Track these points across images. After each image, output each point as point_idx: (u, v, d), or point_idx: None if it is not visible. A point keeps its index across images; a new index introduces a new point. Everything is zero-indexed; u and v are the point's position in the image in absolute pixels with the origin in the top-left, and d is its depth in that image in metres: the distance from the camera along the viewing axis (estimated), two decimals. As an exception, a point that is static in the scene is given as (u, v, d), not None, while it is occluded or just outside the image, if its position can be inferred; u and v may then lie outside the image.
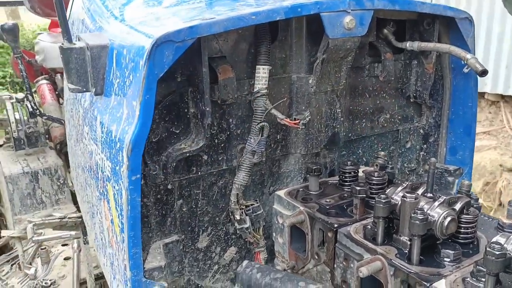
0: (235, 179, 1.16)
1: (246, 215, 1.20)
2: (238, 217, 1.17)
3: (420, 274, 0.84)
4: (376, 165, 1.20)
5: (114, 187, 1.00)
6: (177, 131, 1.07)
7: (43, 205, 2.51)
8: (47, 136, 3.01)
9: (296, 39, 1.18)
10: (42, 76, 3.01)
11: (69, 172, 2.35)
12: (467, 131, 1.52)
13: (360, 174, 1.25)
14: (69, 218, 2.02)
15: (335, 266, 1.03)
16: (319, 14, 1.06)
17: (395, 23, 1.38)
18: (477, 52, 5.22)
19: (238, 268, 0.97)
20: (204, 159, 1.12)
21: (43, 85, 2.95)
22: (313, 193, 1.19)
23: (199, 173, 1.12)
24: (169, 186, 1.08)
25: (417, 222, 0.85)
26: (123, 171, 0.93)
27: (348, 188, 1.22)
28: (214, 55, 1.07)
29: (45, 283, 1.88)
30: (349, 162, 1.22)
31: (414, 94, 1.46)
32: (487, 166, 5.17)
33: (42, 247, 2.08)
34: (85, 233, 1.96)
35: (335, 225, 1.02)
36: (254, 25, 1.10)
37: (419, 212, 0.85)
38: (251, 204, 1.21)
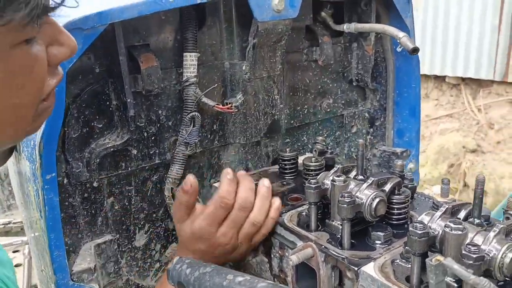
0: (169, 172, 1.11)
1: (184, 209, 1.15)
2: (174, 212, 1.13)
3: (349, 258, 0.82)
4: (315, 150, 1.17)
5: (34, 187, 0.94)
6: (100, 125, 1.01)
7: (-6, 211, 2.41)
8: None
9: (226, 24, 1.14)
10: None
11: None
12: (412, 112, 1.51)
13: (300, 161, 1.23)
14: (13, 223, 1.95)
15: (272, 256, 1.00)
16: (244, -3, 1.02)
17: (333, 5, 1.36)
18: (436, 35, 5.30)
19: (169, 264, 0.93)
20: (133, 154, 1.07)
21: None
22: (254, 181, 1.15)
23: (129, 168, 1.07)
24: (95, 184, 1.02)
25: (345, 205, 0.82)
26: (37, 170, 0.87)
27: (288, 176, 1.19)
28: (135, 43, 1.01)
29: (-7, 292, 1.80)
30: (287, 149, 1.19)
31: (356, 78, 1.44)
32: (450, 148, 5.26)
33: (-9, 256, 1.99)
34: (32, 239, 1.89)
35: None
36: (178, 11, 1.06)
37: (346, 195, 0.83)
38: (189, 198, 1.17)
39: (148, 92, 1.02)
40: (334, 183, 0.88)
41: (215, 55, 1.15)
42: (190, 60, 1.06)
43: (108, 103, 1.01)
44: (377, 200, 0.85)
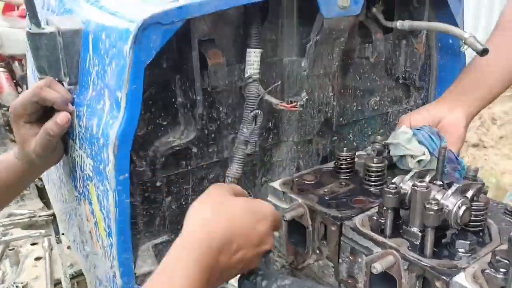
0: (228, 171, 1.08)
1: (239, 209, 1.12)
2: (231, 212, 1.10)
3: (436, 267, 0.80)
4: (373, 150, 1.15)
5: (98, 187, 0.91)
6: (164, 123, 0.97)
7: (8, 202, 2.35)
8: (7, 127, 2.83)
9: (287, 20, 1.10)
10: (-1, 64, 2.81)
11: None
12: (455, 111, 1.49)
13: (356, 160, 1.20)
14: (39, 216, 1.90)
15: (340, 260, 0.97)
16: (313, -8, 0.99)
17: (384, 1, 1.32)
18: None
19: (239, 276, 0.90)
20: (193, 152, 1.03)
21: (0, 73, 2.76)
22: (309, 182, 1.12)
23: (189, 167, 1.04)
24: (158, 183, 0.99)
25: (432, 213, 0.80)
26: (109, 171, 0.83)
27: (344, 176, 1.16)
28: (202, 38, 0.97)
29: (16, 286, 1.76)
30: (345, 149, 1.15)
31: (403, 75, 1.41)
32: (453, 142, 5.27)
33: (10, 248, 1.95)
34: (57, 232, 1.84)
35: (339, 218, 0.96)
36: (242, 6, 1.02)
37: (433, 202, 0.80)
38: (244, 197, 1.14)
39: (214, 88, 0.98)
40: (416, 188, 0.85)
41: (274, 51, 1.12)
42: (254, 56, 1.02)
43: (173, 99, 0.97)
44: (463, 207, 0.82)
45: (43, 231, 2.05)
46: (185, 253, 0.72)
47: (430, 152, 1.08)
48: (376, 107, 1.39)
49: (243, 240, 0.79)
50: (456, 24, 1.34)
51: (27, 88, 2.24)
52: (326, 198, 1.05)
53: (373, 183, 1.08)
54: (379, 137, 1.15)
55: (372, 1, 1.30)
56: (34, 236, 2.06)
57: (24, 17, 2.76)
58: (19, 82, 2.91)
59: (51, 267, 1.86)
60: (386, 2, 1.33)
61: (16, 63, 2.95)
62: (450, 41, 1.44)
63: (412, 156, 1.09)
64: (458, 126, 1.17)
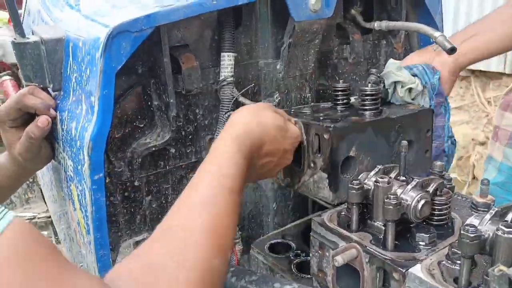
0: (206, 171, 1.12)
1: (219, 207, 1.16)
2: (210, 210, 1.14)
3: (395, 260, 0.83)
4: (369, 82, 1.15)
5: (78, 187, 0.96)
6: (141, 125, 1.02)
7: (13, 205, 2.42)
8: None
9: (261, 24, 1.14)
10: (5, 72, 2.89)
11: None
12: (438, 109, 1.51)
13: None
14: (38, 218, 1.96)
15: (310, 255, 1.01)
16: (283, -3, 1.03)
17: (362, 3, 1.36)
18: (446, 26, 5.27)
19: None
20: (171, 153, 1.08)
21: (7, 81, 2.83)
22: (307, 111, 1.13)
23: (167, 167, 1.08)
24: (136, 183, 1.03)
25: (391, 207, 0.83)
26: (84, 171, 0.88)
27: (341, 107, 1.13)
28: (175, 44, 1.02)
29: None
30: (341, 80, 1.15)
31: (384, 75, 1.44)
32: (459, 141, 5.25)
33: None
34: (56, 233, 1.90)
35: (332, 127, 0.96)
36: (216, 11, 1.06)
37: (392, 197, 0.84)
38: (224, 196, 1.18)
39: (188, 92, 1.03)
40: (378, 184, 0.88)
41: (250, 54, 1.16)
42: (228, 60, 1.07)
43: (149, 103, 1.02)
44: (422, 201, 0.85)
45: (45, 233, 2.12)
46: (229, 144, 0.84)
47: (422, 84, 1.12)
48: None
49: (271, 149, 0.92)
50: (435, 24, 1.37)
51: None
52: (321, 117, 1.05)
53: (367, 107, 1.07)
54: (374, 70, 1.17)
55: (351, 3, 1.34)
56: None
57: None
58: (24, 89, 2.99)
59: (52, 267, 1.91)
60: (365, 3, 1.37)
61: (22, 70, 3.04)
62: (432, 40, 1.46)
63: (402, 85, 1.12)
64: (444, 70, 1.21)
